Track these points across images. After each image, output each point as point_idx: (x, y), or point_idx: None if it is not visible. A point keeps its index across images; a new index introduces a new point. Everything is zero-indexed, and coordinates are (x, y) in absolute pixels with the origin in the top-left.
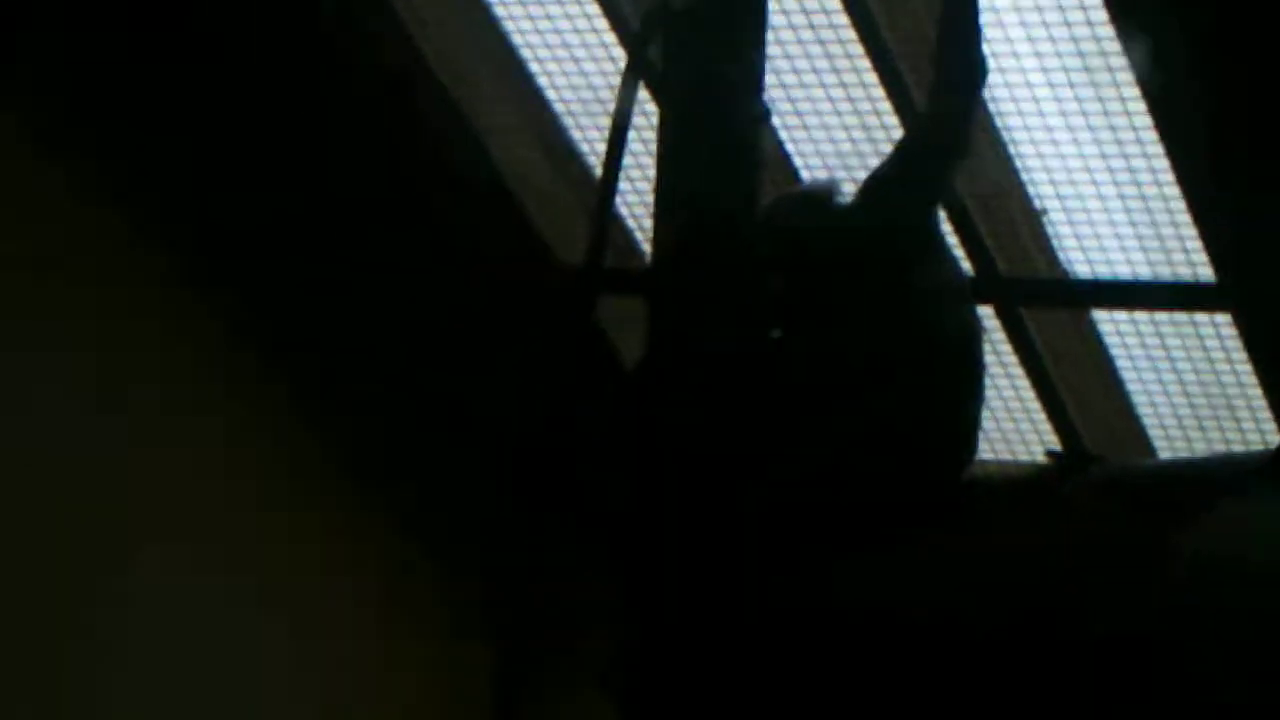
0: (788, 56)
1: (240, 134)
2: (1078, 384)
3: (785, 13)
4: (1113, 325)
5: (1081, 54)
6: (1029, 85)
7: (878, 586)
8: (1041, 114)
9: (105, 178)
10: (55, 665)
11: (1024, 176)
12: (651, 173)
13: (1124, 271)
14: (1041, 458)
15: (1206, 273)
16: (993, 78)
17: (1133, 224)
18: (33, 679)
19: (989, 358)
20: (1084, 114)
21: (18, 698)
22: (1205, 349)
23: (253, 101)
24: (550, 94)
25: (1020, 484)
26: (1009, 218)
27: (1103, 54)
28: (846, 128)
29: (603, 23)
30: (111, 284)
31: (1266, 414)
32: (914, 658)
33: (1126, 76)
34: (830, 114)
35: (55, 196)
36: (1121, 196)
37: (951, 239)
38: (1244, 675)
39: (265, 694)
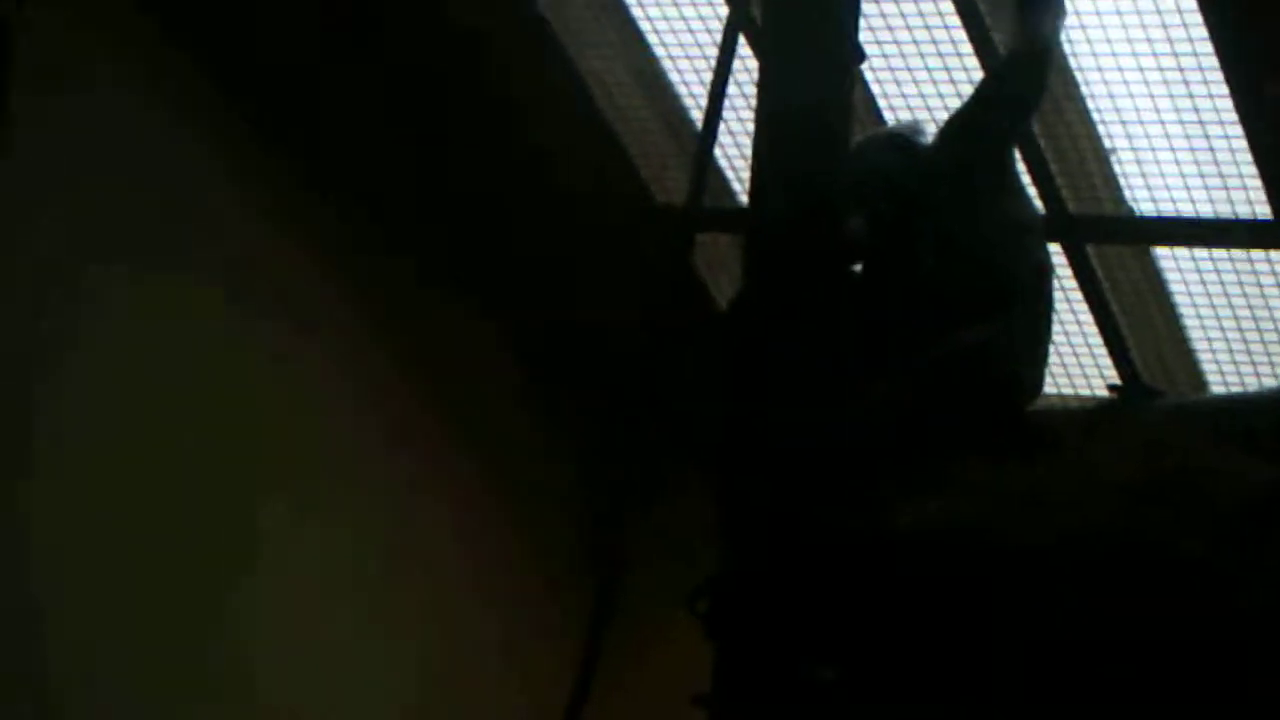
0: (875, 1)
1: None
2: (1138, 319)
3: None
4: (1174, 262)
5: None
6: (1103, 28)
7: (975, 516)
8: (1114, 55)
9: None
10: None
11: (1095, 117)
12: (745, 116)
13: (1186, 210)
14: (1103, 392)
15: (1265, 211)
16: (1068, 21)
17: (1196, 163)
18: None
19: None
20: (1154, 55)
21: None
22: (1260, 285)
23: (368, 47)
24: (652, 39)
25: (1090, 417)
26: (1079, 157)
27: None
28: (929, 69)
29: None
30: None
31: None
32: (1002, 588)
33: (1195, 19)
34: (914, 56)
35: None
36: (1187, 136)
37: (1025, 177)
38: None
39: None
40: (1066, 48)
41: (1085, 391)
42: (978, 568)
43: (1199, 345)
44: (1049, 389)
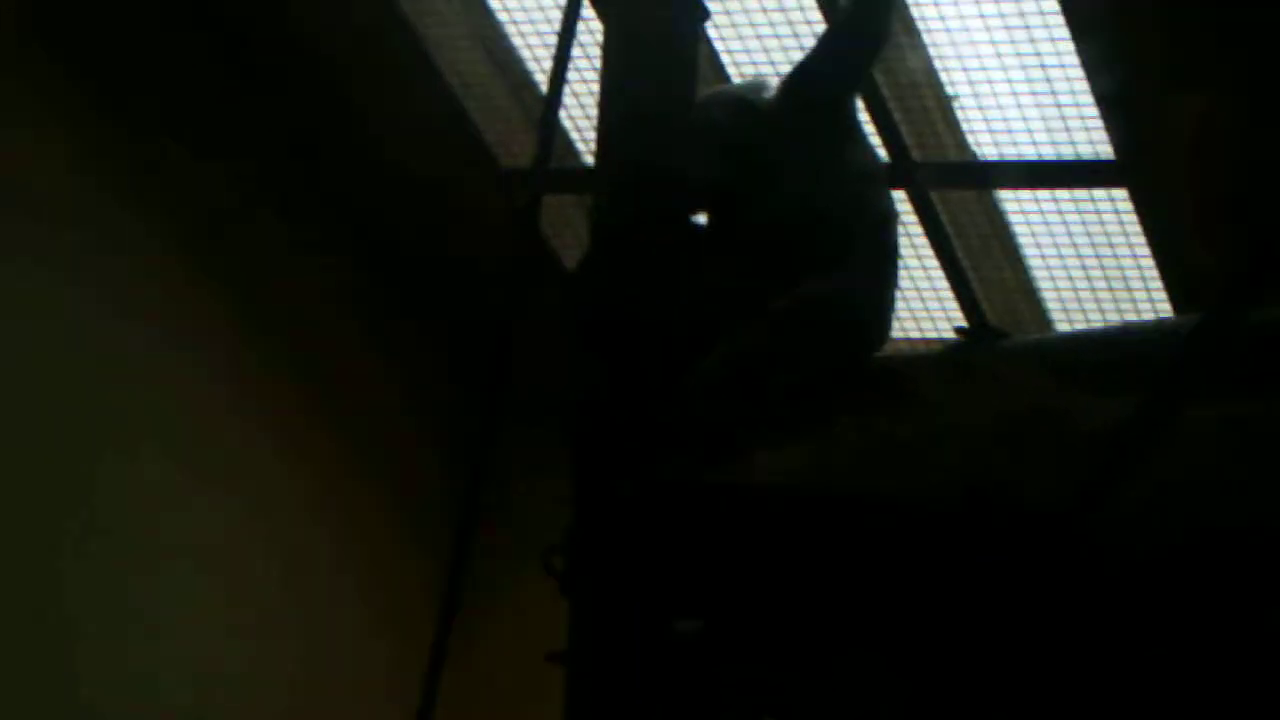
0: None
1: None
2: (983, 262)
3: None
4: (1017, 204)
5: None
6: None
7: (829, 465)
8: (955, 2)
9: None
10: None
11: (937, 64)
12: (589, 77)
13: (1029, 152)
14: (951, 335)
15: (1106, 150)
16: None
17: (1038, 105)
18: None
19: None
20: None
21: None
22: (1103, 223)
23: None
24: (495, 3)
25: (938, 361)
26: (921, 104)
27: None
28: (773, 24)
29: None
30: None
31: (1159, 289)
32: (861, 536)
33: None
34: (758, 11)
35: None
36: (1028, 79)
37: (868, 126)
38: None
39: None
40: None
41: (933, 336)
42: (834, 518)
43: (1043, 285)
44: (897, 334)
